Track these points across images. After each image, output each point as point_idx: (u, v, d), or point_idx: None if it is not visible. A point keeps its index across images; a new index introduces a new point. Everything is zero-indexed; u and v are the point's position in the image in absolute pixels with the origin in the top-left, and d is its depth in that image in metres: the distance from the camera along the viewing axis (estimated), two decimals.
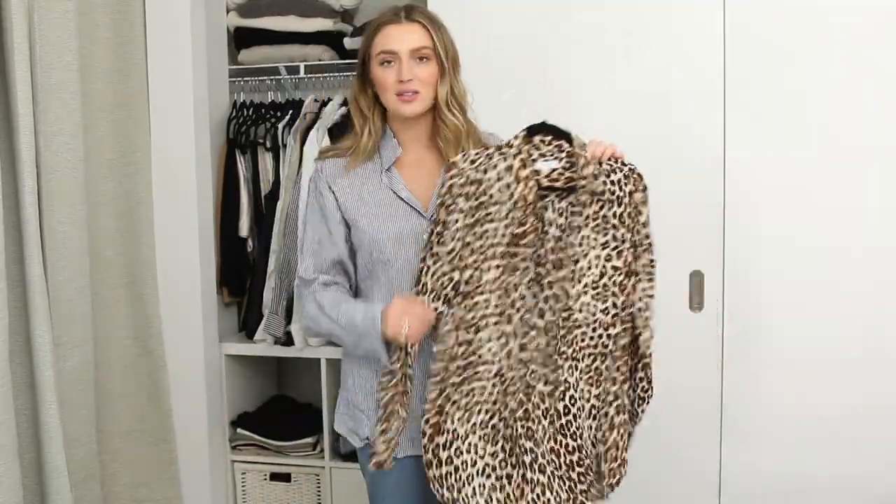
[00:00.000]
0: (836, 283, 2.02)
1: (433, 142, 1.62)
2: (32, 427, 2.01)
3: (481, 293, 1.52)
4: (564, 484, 1.59)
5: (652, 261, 1.59)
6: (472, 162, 1.55)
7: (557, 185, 1.54)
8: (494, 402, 1.55)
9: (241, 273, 2.69)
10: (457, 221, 1.52)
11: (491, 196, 1.53)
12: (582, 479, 1.60)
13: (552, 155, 1.55)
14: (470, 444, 1.54)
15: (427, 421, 1.52)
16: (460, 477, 1.53)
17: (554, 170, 1.54)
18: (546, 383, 1.58)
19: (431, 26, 1.57)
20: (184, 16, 2.43)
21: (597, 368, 1.59)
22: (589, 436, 1.60)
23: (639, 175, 1.58)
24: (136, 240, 2.42)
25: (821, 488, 2.07)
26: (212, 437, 2.58)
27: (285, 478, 2.65)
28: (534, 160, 1.54)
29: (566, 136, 1.56)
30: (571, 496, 1.59)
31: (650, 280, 1.59)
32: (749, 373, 2.09)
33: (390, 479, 1.64)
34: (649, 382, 1.63)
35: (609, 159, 1.57)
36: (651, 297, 1.58)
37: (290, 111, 2.63)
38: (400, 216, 1.59)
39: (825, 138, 2.01)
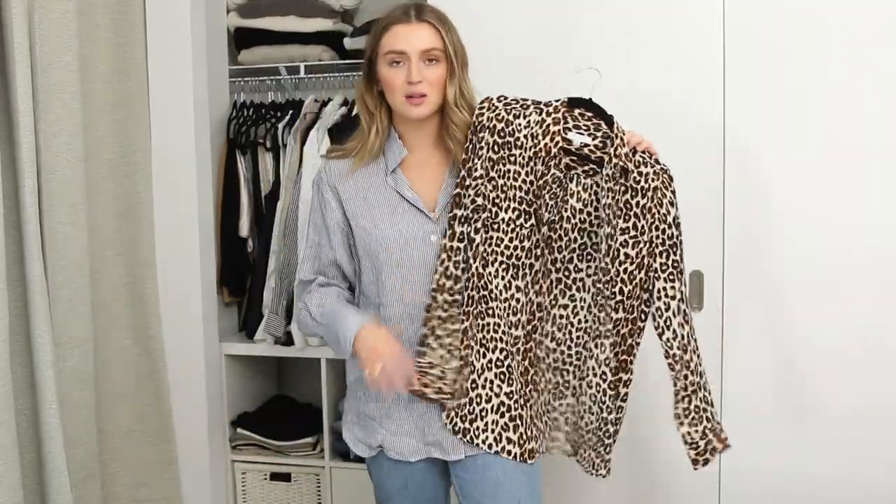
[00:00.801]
0: (836, 283, 2.02)
1: (440, 141, 1.61)
2: (32, 427, 2.01)
3: (496, 230, 1.55)
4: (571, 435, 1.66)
5: (675, 261, 1.57)
6: (507, 105, 1.56)
7: (586, 156, 1.55)
8: (507, 343, 1.56)
9: (242, 273, 2.69)
10: (482, 150, 1.54)
11: (517, 139, 1.54)
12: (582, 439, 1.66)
13: (587, 130, 1.56)
14: (486, 379, 1.55)
15: (458, 354, 1.55)
16: (473, 409, 1.55)
17: (585, 145, 1.55)
18: (551, 341, 1.61)
19: (441, 27, 1.54)
20: (184, 16, 2.43)
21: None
22: (592, 408, 1.63)
23: (669, 176, 1.57)
24: (136, 240, 2.42)
25: (821, 488, 2.07)
26: (212, 437, 2.58)
27: (285, 478, 2.65)
28: (568, 128, 1.55)
29: (607, 119, 1.57)
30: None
31: (671, 281, 1.57)
32: (749, 372, 2.08)
33: (398, 481, 1.64)
34: (697, 374, 1.61)
35: (643, 152, 1.57)
36: (673, 298, 1.57)
37: (290, 111, 2.63)
38: (405, 218, 1.58)
39: (825, 138, 2.00)
